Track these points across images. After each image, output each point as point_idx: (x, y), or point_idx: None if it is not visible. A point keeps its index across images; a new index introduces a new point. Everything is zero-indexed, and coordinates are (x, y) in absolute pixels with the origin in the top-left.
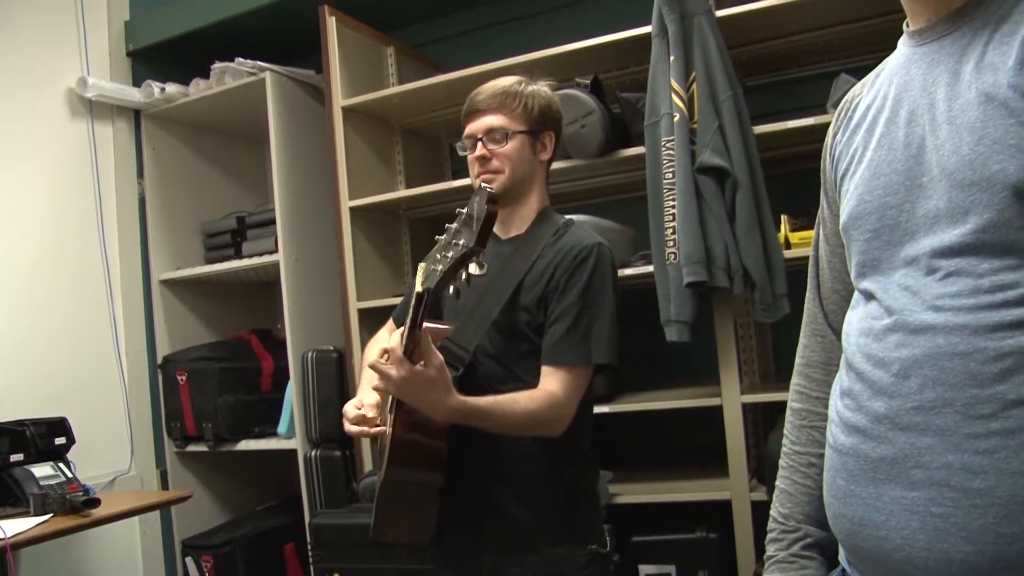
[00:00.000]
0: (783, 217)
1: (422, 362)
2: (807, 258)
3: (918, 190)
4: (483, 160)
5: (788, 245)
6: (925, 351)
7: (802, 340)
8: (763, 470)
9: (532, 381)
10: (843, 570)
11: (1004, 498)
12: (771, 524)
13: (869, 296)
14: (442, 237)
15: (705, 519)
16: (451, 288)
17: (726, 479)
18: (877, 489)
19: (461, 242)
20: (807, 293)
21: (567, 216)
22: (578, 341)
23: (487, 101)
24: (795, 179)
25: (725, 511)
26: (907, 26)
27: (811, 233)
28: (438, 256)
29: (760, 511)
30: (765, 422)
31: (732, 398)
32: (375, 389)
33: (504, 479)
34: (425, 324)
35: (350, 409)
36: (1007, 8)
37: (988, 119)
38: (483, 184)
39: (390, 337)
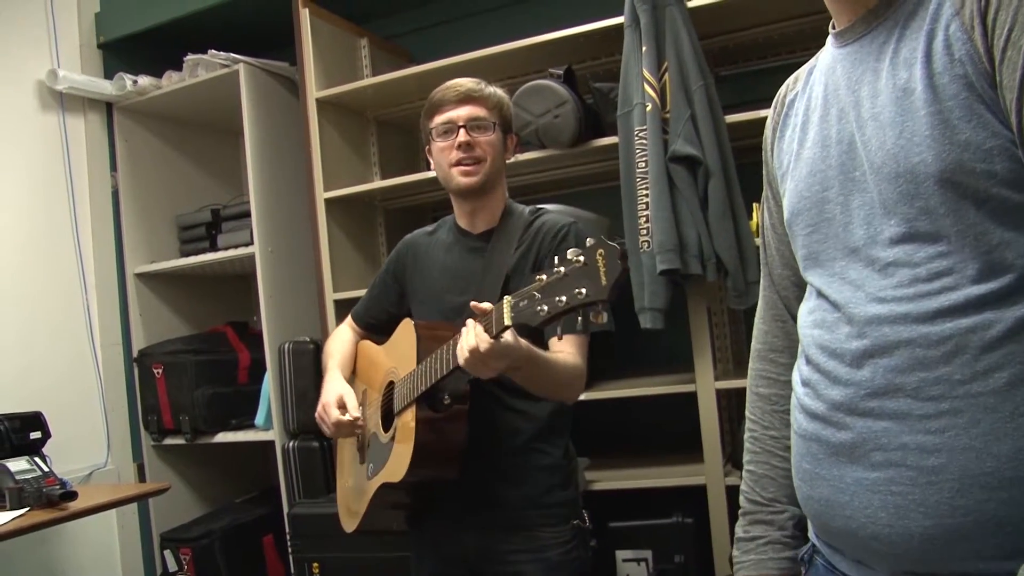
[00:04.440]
0: (755, 205)
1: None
2: None
3: (851, 184)
4: (467, 147)
5: (759, 232)
6: (874, 341)
7: (760, 326)
8: (737, 455)
9: None
10: (813, 545)
11: (956, 473)
12: (751, 507)
13: (817, 291)
14: (543, 277)
15: (681, 504)
16: (558, 328)
17: (701, 464)
18: (840, 471)
19: (583, 291)
20: (761, 280)
21: (533, 205)
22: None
23: (465, 93)
24: None
25: (700, 496)
26: (833, 27)
27: None
28: (536, 296)
29: (735, 495)
30: (739, 408)
31: (706, 384)
32: (468, 367)
33: (491, 464)
34: (418, 322)
35: (334, 411)
36: (913, 4)
37: (905, 113)
38: (607, 239)
39: (350, 334)
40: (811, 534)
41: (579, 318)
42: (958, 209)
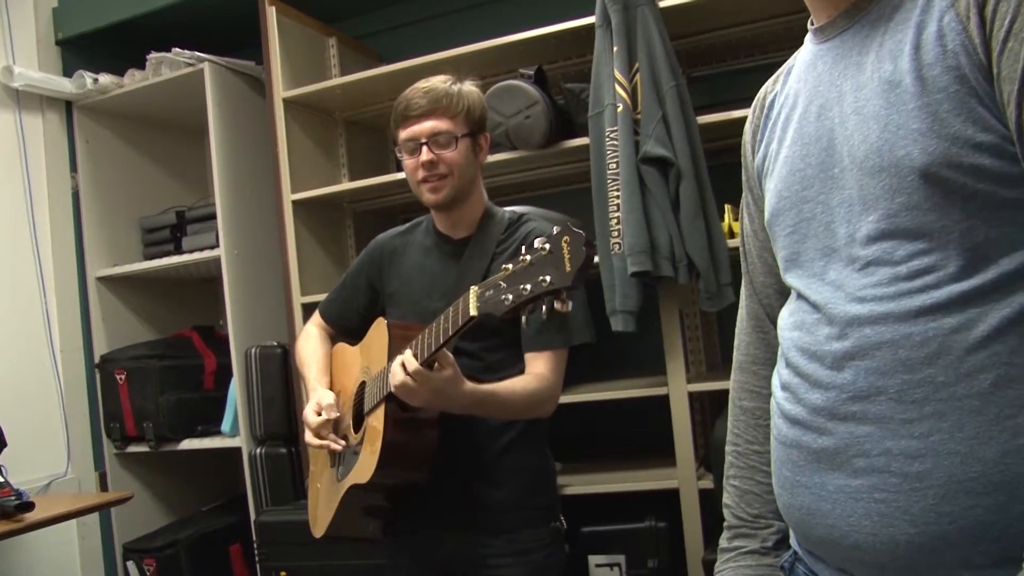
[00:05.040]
0: (727, 207)
1: (437, 364)
2: None
3: (831, 181)
4: (430, 165)
5: (732, 234)
6: (855, 342)
7: (742, 337)
8: (710, 458)
9: (506, 372)
10: (794, 552)
11: (942, 479)
12: (735, 522)
13: (797, 292)
14: (509, 267)
15: (654, 508)
16: (523, 318)
17: (674, 468)
18: (822, 479)
19: (548, 279)
20: (742, 290)
21: (512, 208)
22: (556, 327)
23: (428, 104)
24: (739, 169)
25: (673, 500)
26: (811, 24)
27: None
28: (502, 285)
29: (708, 499)
30: (712, 411)
31: (679, 387)
32: (398, 393)
33: (473, 465)
34: (391, 321)
35: (312, 416)
36: None
37: (891, 106)
38: (573, 226)
39: (320, 335)
40: (792, 541)
41: (543, 307)
42: (943, 205)
